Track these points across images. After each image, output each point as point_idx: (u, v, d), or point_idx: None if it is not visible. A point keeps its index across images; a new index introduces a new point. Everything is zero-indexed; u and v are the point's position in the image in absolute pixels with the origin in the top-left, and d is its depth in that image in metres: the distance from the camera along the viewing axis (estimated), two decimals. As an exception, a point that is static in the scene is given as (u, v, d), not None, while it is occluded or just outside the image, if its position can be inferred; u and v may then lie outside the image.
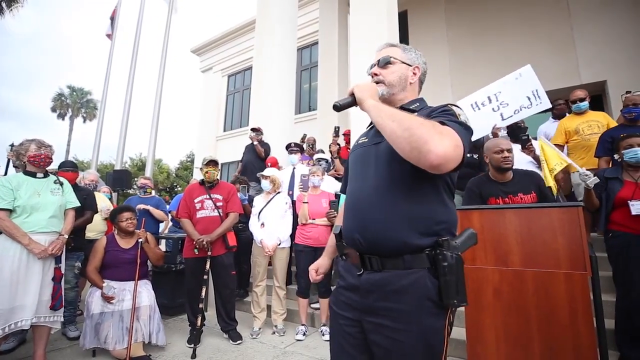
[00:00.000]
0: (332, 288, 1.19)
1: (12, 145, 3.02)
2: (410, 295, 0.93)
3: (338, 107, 1.02)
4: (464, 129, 0.91)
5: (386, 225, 0.96)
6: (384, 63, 1.13)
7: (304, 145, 5.29)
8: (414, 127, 0.82)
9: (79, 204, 2.67)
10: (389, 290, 0.95)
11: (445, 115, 0.95)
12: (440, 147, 0.79)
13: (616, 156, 2.42)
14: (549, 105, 3.13)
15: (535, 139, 3.77)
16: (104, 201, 3.90)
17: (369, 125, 1.20)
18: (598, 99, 5.69)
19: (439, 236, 0.95)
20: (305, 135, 5.90)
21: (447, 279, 0.90)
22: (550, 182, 2.53)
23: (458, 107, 1.02)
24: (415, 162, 0.84)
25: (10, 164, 3.25)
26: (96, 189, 4.04)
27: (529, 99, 3.06)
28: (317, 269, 1.34)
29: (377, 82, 1.11)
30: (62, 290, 2.44)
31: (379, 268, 0.97)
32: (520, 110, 3.09)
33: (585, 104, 3.42)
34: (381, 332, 0.95)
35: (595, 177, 2.29)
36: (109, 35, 10.32)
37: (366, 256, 1.00)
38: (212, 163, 3.11)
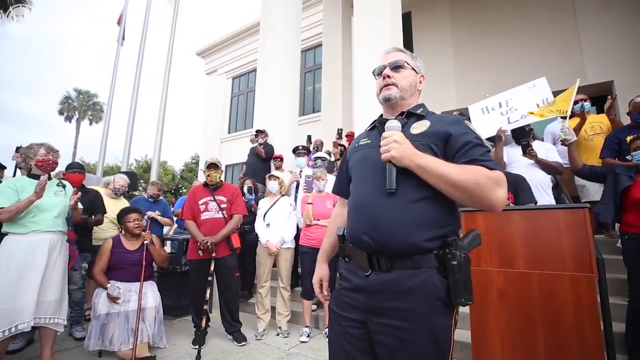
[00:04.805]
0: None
1: (19, 148, 3.06)
2: (419, 294, 0.93)
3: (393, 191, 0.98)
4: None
5: (396, 228, 0.96)
6: (396, 66, 1.13)
7: (311, 147, 5.27)
8: (471, 189, 0.89)
9: (81, 207, 2.72)
10: (398, 290, 0.95)
11: (482, 150, 0.98)
12: (500, 199, 0.90)
13: (629, 157, 2.44)
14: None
15: (542, 139, 3.76)
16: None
17: (370, 125, 1.21)
18: (604, 100, 5.63)
19: (446, 238, 0.96)
20: (310, 136, 5.86)
21: (456, 278, 0.92)
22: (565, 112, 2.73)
23: (467, 119, 1.05)
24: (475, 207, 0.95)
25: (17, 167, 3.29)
26: (125, 194, 3.89)
27: (537, 105, 3.07)
28: (321, 281, 1.30)
29: (389, 85, 1.12)
30: (77, 253, 2.69)
31: (387, 268, 0.97)
32: (527, 115, 3.09)
33: (588, 104, 3.51)
34: (389, 332, 0.96)
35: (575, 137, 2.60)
36: (119, 42, 10.45)
37: (374, 257, 0.99)
38: (213, 166, 3.08)
